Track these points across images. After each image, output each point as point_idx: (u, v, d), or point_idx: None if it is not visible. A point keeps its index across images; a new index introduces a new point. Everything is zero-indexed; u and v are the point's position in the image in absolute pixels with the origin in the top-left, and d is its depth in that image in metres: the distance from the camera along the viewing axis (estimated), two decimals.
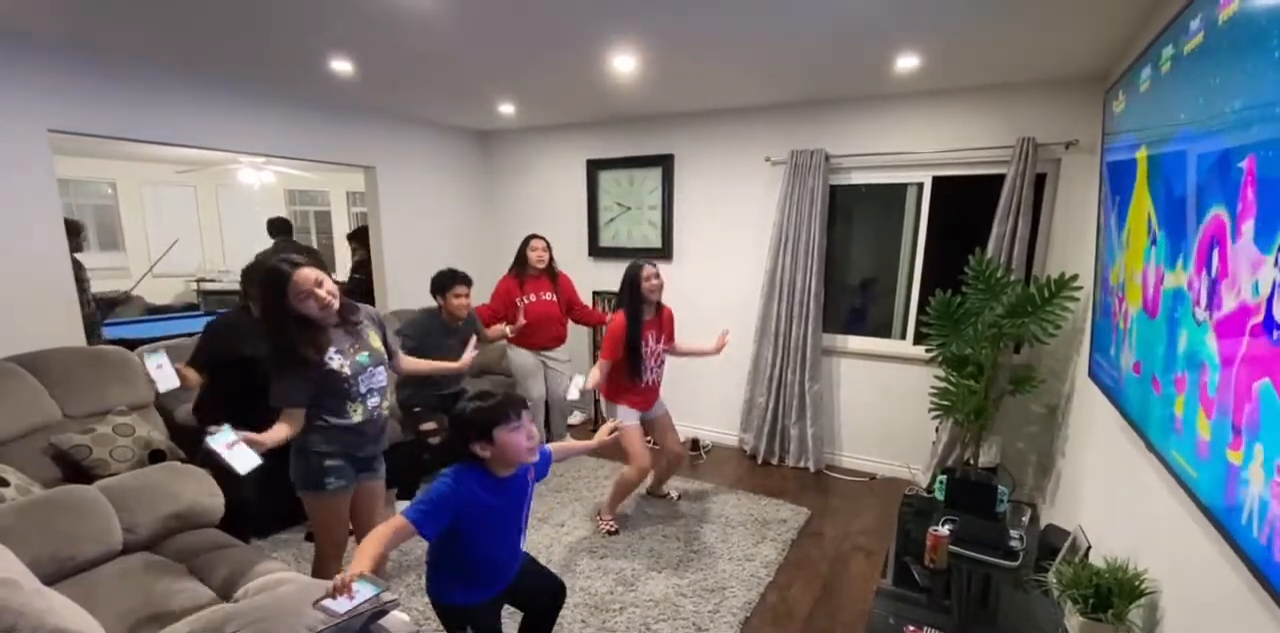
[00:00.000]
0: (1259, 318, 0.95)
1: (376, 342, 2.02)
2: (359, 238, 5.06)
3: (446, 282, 3.12)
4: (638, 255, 4.25)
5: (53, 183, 2.74)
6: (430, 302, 3.22)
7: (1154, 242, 1.54)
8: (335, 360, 1.85)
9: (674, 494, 3.42)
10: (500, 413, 1.50)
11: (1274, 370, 0.90)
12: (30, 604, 1.14)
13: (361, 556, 1.39)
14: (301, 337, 1.78)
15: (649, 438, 3.14)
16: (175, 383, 2.07)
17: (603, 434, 2.10)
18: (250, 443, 1.66)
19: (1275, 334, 0.90)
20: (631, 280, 2.88)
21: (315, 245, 8.77)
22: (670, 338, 3.10)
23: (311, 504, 1.98)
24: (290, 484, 1.98)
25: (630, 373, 2.89)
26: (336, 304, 1.83)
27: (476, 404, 1.52)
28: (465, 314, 3.17)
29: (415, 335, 3.03)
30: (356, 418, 1.93)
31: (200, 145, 3.26)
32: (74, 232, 3.95)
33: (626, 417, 2.96)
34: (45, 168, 2.70)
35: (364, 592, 1.34)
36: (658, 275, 2.91)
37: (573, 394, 2.87)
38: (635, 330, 2.87)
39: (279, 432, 1.78)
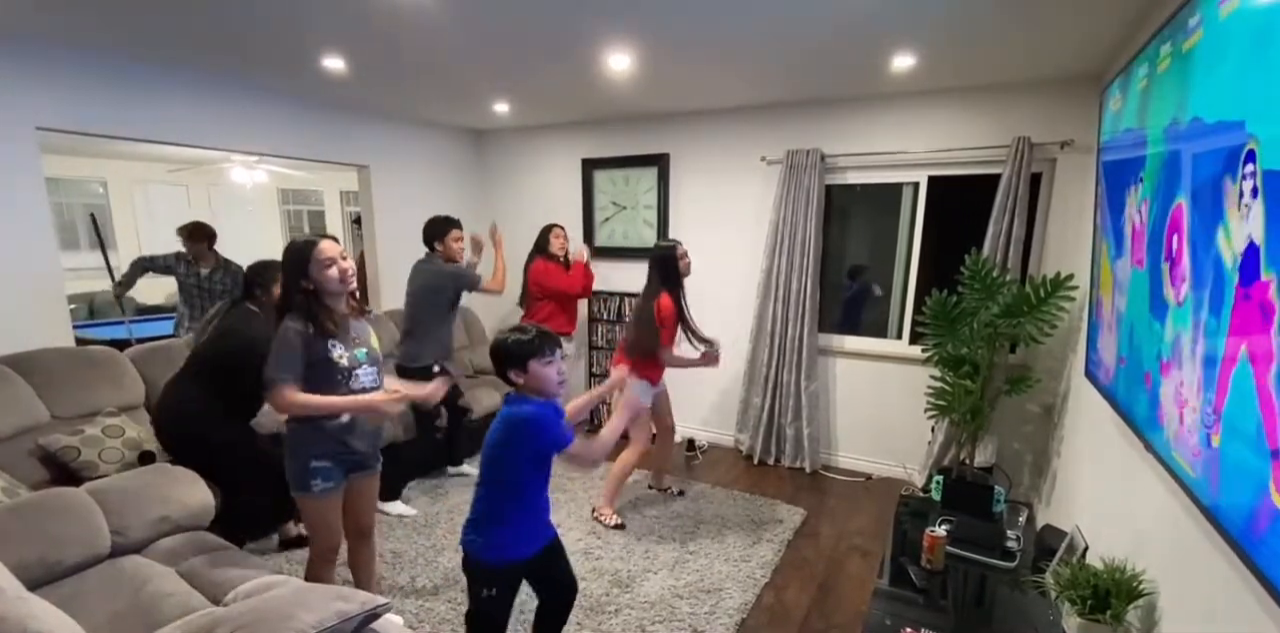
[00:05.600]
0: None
1: (374, 342, 2.04)
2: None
3: (442, 226, 3.22)
4: (634, 255, 4.25)
5: (41, 181, 2.70)
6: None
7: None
8: (335, 350, 1.88)
9: (675, 489, 3.44)
10: (536, 346, 1.65)
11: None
12: (12, 610, 1.11)
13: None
14: (315, 307, 1.85)
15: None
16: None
17: (616, 378, 2.23)
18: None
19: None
20: (665, 259, 2.93)
21: None
22: None
23: (302, 505, 1.98)
24: (282, 486, 1.96)
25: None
26: (354, 281, 1.91)
27: (516, 337, 1.66)
28: (463, 258, 3.27)
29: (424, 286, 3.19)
30: (345, 417, 1.94)
31: (191, 144, 3.22)
32: (209, 235, 3.89)
33: (643, 394, 2.98)
34: (33, 166, 2.67)
35: None
36: (688, 253, 3.00)
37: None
38: (683, 308, 2.97)
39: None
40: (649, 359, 2.94)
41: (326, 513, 1.98)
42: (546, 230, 3.79)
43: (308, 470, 1.89)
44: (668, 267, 2.94)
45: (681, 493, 3.42)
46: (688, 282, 4.10)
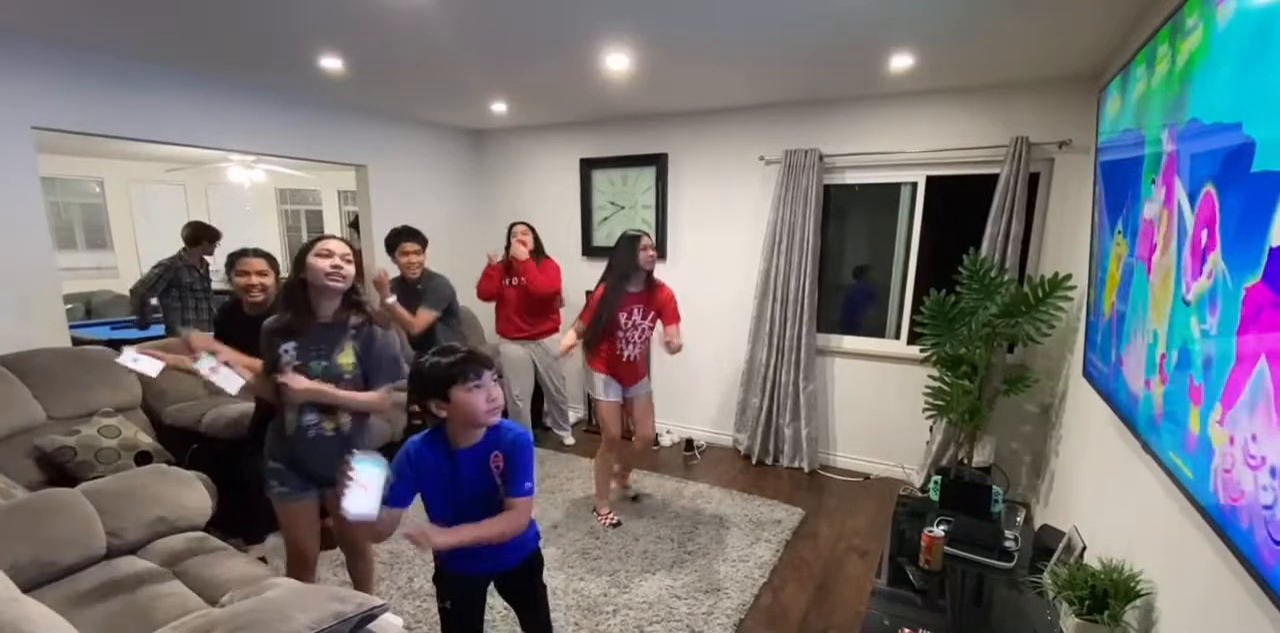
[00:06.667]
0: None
1: (348, 359, 1.82)
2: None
3: (393, 239, 3.14)
4: None
5: (36, 181, 2.69)
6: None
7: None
8: (286, 354, 1.77)
9: (632, 492, 3.39)
10: (458, 370, 1.40)
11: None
12: (6, 612, 1.11)
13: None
14: (296, 300, 1.80)
15: (628, 417, 3.23)
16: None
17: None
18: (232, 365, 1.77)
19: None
20: (629, 249, 2.86)
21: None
22: (671, 318, 2.98)
23: (274, 508, 1.96)
24: None
25: (602, 342, 2.94)
26: (345, 281, 1.78)
27: (435, 360, 1.43)
28: (417, 273, 3.17)
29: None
30: (289, 430, 1.84)
31: (188, 143, 3.21)
32: (211, 237, 3.92)
33: (605, 388, 3.01)
34: (29, 166, 2.66)
35: (369, 473, 1.37)
36: (654, 246, 2.94)
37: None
38: (615, 300, 2.89)
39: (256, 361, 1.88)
40: (587, 348, 3.02)
41: (287, 518, 1.94)
42: (509, 229, 3.75)
43: (266, 470, 1.90)
44: (624, 253, 2.88)
45: (636, 499, 3.34)
46: (686, 282, 4.14)
